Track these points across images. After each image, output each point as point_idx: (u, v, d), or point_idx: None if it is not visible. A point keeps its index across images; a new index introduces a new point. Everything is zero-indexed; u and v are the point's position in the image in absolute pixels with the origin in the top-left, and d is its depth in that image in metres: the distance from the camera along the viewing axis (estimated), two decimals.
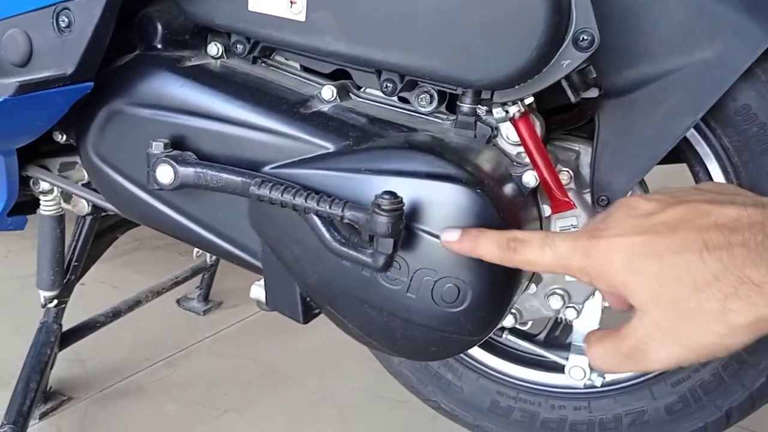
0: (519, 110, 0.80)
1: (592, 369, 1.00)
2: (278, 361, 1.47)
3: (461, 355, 1.10)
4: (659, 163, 0.90)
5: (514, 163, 0.84)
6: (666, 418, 1.02)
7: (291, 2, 0.81)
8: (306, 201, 0.74)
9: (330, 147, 0.80)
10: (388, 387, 1.28)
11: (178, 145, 0.86)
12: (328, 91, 0.87)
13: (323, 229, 0.75)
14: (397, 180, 0.75)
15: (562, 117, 0.93)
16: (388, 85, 0.82)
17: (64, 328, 1.27)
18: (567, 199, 0.82)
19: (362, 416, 1.31)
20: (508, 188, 0.80)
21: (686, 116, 0.83)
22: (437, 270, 0.75)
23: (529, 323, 1.00)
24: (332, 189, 0.77)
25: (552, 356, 1.01)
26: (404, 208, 0.71)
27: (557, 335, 1.07)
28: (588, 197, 0.90)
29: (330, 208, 0.72)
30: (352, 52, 0.80)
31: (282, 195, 0.75)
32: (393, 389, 1.22)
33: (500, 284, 0.75)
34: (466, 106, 0.79)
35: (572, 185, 0.89)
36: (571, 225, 0.90)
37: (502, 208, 0.75)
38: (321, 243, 0.76)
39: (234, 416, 1.31)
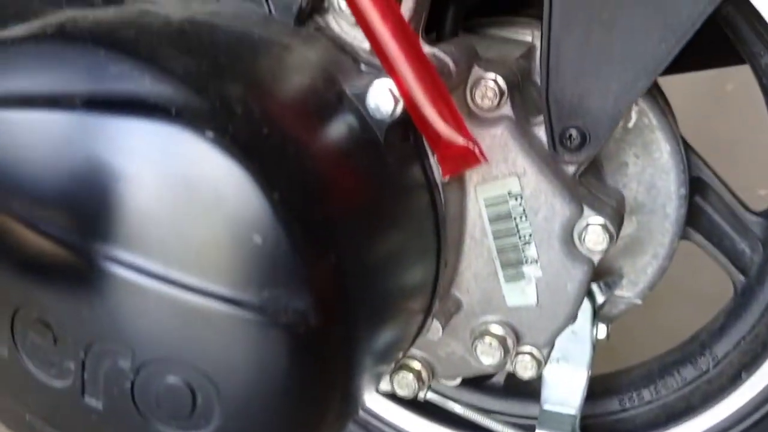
0: None
1: None
2: None
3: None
4: (696, 67, 0.54)
5: (362, 69, 0.38)
6: None
7: None
8: None
9: None
10: None
11: None
12: None
13: None
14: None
15: None
16: None
17: None
18: (463, 141, 0.36)
19: None
20: (331, 124, 0.34)
21: None
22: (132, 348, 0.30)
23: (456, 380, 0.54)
24: None
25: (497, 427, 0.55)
26: None
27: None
28: (542, 133, 0.43)
29: None
30: None
31: None
32: None
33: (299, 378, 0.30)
34: None
35: (506, 110, 0.43)
36: (509, 192, 0.44)
37: (285, 173, 0.30)
38: None
39: None
